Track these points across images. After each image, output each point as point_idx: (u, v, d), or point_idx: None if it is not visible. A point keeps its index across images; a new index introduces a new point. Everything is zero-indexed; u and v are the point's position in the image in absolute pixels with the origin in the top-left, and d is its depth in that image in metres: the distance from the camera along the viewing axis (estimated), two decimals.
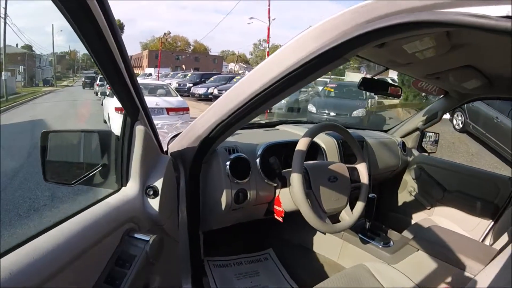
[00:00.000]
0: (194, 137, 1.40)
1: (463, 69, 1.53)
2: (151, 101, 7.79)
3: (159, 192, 1.12)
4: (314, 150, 2.03)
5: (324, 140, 2.07)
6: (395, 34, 0.81)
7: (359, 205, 1.73)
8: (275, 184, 1.73)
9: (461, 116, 9.21)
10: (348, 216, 1.68)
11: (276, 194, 1.72)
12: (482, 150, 8.24)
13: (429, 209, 2.70)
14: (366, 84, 1.66)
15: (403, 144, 2.79)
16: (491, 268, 1.14)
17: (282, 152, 1.84)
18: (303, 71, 1.00)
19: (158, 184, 1.13)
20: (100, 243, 0.86)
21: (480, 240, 2.37)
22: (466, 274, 1.59)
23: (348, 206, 1.70)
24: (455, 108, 2.58)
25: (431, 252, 1.72)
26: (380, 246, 1.87)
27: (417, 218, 2.71)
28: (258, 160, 1.72)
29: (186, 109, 8.63)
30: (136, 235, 0.98)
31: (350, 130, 1.82)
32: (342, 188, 1.67)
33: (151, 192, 1.11)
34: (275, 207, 1.71)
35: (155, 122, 1.24)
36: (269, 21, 16.60)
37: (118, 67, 0.85)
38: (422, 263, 1.72)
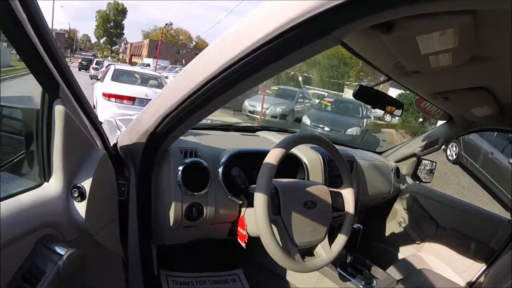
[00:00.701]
0: (142, 130, 1.14)
1: (478, 91, 1.36)
2: (141, 91, 7.61)
3: (86, 195, 0.95)
4: (294, 166, 1.75)
5: (308, 155, 1.79)
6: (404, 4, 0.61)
7: (341, 239, 1.44)
8: (240, 202, 1.45)
9: (455, 147, 9.28)
10: (325, 252, 1.39)
11: (241, 214, 1.43)
12: (473, 184, 8.25)
13: (418, 243, 2.51)
14: (363, 93, 1.52)
15: (397, 169, 2.58)
16: None
17: (254, 164, 1.53)
18: (277, 47, 0.75)
19: (86, 184, 0.95)
20: (4, 249, 0.73)
21: (470, 285, 2.25)
22: None
23: (326, 239, 1.41)
24: (458, 137, 2.34)
25: None
26: (361, 286, 1.64)
27: (405, 252, 2.52)
28: (220, 170, 1.43)
29: None
30: (53, 246, 0.83)
31: (339, 147, 1.62)
32: (320, 216, 1.38)
33: (76, 194, 0.94)
34: (239, 229, 1.43)
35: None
36: None
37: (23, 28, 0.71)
38: None
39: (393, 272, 1.91)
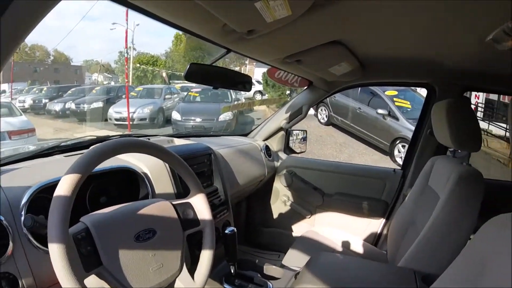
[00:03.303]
0: None
1: (332, 47, 1.36)
2: None
3: None
4: (130, 180, 1.38)
5: (149, 163, 1.41)
6: None
7: (204, 261, 1.18)
8: None
9: (325, 110, 9.88)
10: (189, 286, 1.13)
11: None
12: (349, 139, 8.95)
13: (309, 217, 2.48)
14: (195, 73, 1.35)
15: (267, 148, 2.46)
16: None
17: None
18: None
19: None
20: None
21: (374, 242, 2.28)
22: None
23: (184, 270, 1.12)
24: (321, 100, 2.50)
25: None
26: None
27: (298, 230, 2.46)
28: (22, 219, 1.01)
29: (31, 131, 7.37)
30: None
31: (194, 138, 1.50)
32: (166, 245, 1.07)
33: None
34: None
35: None
36: (127, 23, 15.38)
37: None
38: None
39: (290, 261, 1.76)
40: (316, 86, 2.26)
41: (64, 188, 0.86)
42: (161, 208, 1.11)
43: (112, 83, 26.92)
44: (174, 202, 1.16)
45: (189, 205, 1.20)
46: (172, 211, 1.13)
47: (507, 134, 8.27)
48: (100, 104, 13.19)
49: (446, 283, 0.86)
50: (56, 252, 0.82)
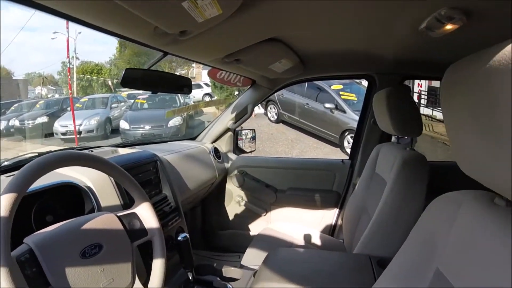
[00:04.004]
0: None
1: (271, 45, 1.36)
2: None
3: None
4: (75, 196, 1.32)
5: (91, 176, 1.34)
6: None
7: (157, 271, 1.15)
8: None
9: (274, 108, 9.99)
10: None
11: None
12: (299, 135, 9.09)
13: (265, 215, 2.52)
14: (130, 78, 1.30)
15: (216, 150, 2.45)
16: None
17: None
18: None
19: None
20: None
21: (331, 233, 2.34)
22: None
23: (137, 281, 1.09)
24: (267, 98, 2.49)
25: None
26: None
27: (255, 229, 2.50)
28: None
29: None
30: None
31: (142, 147, 1.49)
32: (114, 258, 1.04)
33: None
34: None
35: None
36: (68, 32, 14.68)
37: None
38: None
39: (249, 260, 1.76)
40: (259, 84, 2.26)
41: (1, 209, 0.82)
42: (106, 221, 1.08)
43: (57, 96, 25.65)
44: (118, 214, 1.13)
45: (134, 215, 1.17)
46: (118, 223, 1.10)
47: None
48: (45, 119, 12.54)
49: (399, 264, 0.88)
50: None
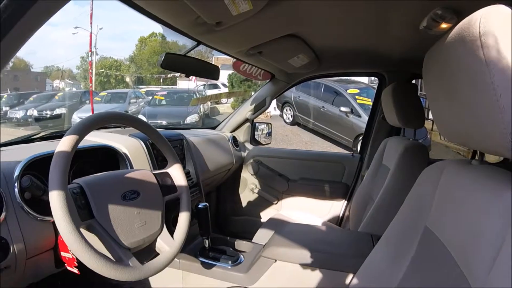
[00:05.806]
0: None
1: (290, 40, 1.46)
2: None
3: None
4: (111, 159, 1.50)
5: (127, 144, 1.54)
6: None
7: (182, 222, 1.27)
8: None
9: (290, 110, 10.05)
10: (168, 244, 1.20)
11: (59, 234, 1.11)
12: (314, 137, 9.12)
13: (276, 203, 2.62)
14: (170, 62, 1.42)
15: (234, 138, 2.57)
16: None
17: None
18: None
19: None
20: None
21: (338, 223, 2.42)
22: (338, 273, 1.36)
23: (165, 230, 1.22)
24: (283, 92, 2.56)
25: (290, 259, 1.41)
26: (229, 267, 1.51)
27: (266, 216, 2.56)
28: (16, 186, 1.09)
29: None
30: None
31: (168, 130, 1.51)
32: (148, 205, 1.17)
33: None
34: (62, 253, 1.14)
35: None
36: (91, 27, 15.01)
37: None
38: (283, 275, 1.42)
39: (259, 239, 1.85)
40: (278, 78, 2.36)
41: (66, 144, 0.96)
42: (144, 175, 1.22)
43: (74, 89, 26.06)
44: (154, 172, 1.28)
45: (167, 174, 1.32)
46: (153, 178, 1.24)
47: None
48: (63, 110, 12.80)
49: (392, 228, 0.99)
50: (56, 198, 0.90)
